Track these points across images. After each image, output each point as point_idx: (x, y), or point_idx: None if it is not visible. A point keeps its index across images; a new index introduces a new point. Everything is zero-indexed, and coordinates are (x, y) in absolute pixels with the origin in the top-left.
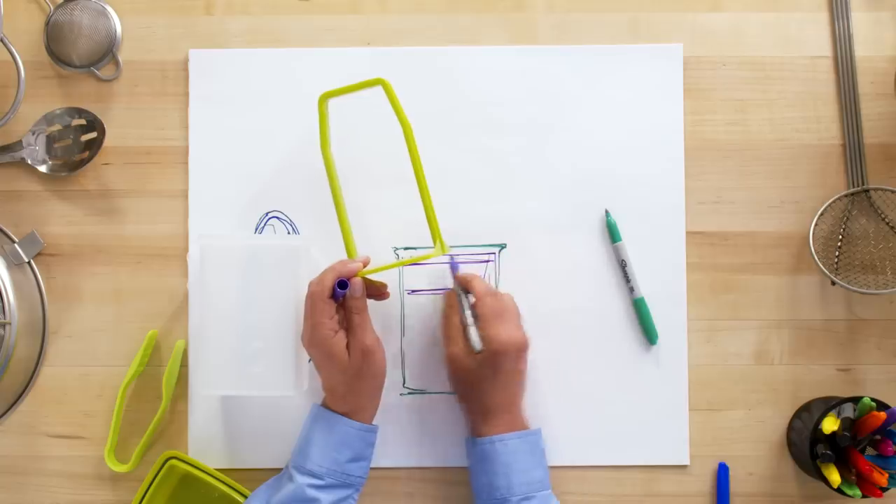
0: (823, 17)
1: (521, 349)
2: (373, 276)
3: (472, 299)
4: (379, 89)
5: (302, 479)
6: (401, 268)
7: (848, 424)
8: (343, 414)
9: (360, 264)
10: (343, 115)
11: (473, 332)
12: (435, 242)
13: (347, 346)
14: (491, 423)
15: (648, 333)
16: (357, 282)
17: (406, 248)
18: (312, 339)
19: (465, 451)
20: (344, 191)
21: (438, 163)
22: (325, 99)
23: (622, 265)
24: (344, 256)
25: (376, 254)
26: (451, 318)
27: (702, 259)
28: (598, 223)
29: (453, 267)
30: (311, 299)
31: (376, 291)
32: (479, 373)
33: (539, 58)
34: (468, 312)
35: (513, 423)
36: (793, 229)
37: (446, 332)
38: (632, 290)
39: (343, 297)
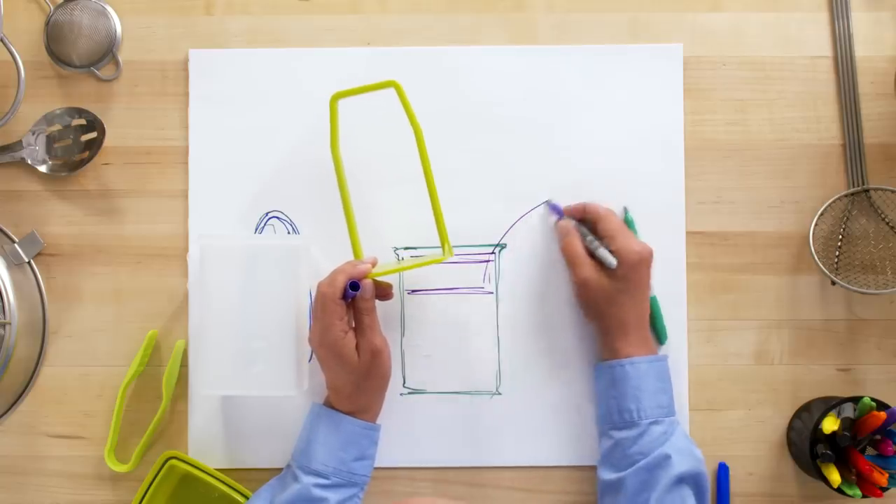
0: (823, 17)
1: (651, 258)
2: (380, 278)
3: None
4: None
5: (308, 479)
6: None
7: (848, 424)
8: (348, 413)
9: (370, 265)
10: (343, 114)
11: (605, 252)
12: (443, 246)
13: (356, 347)
14: (628, 339)
15: (658, 333)
16: (368, 283)
17: (406, 249)
18: (323, 340)
19: (464, 449)
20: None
21: (438, 162)
22: (336, 99)
23: None
24: (349, 257)
25: (376, 254)
26: (571, 245)
27: (702, 259)
28: None
29: (555, 207)
30: (323, 300)
31: (382, 292)
32: (615, 288)
33: (539, 58)
34: (591, 237)
35: (646, 343)
36: (793, 229)
37: (571, 258)
38: None
39: (353, 297)
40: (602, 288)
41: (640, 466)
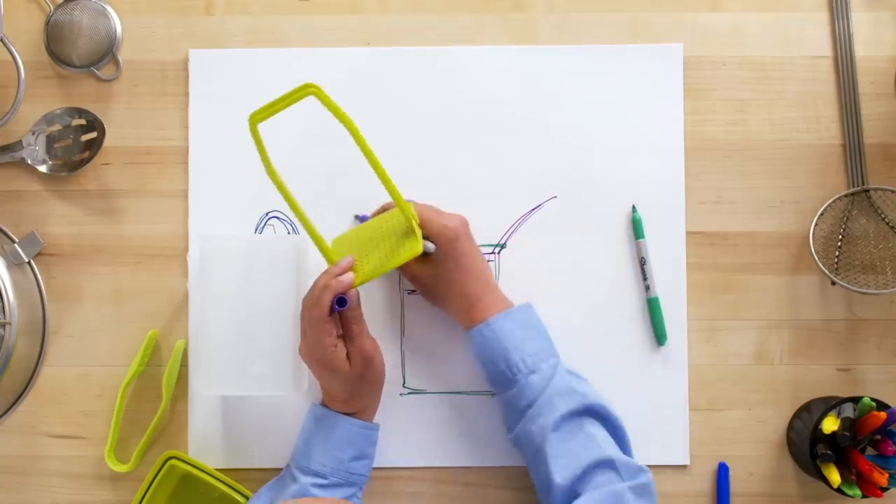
0: (823, 17)
1: (465, 225)
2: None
3: None
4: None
5: (306, 479)
6: (399, 268)
7: (848, 424)
8: (345, 414)
9: (352, 275)
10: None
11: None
12: (414, 234)
13: (347, 355)
14: (480, 308)
15: (658, 334)
16: (354, 295)
17: None
18: (313, 356)
19: (464, 449)
20: (334, 189)
21: (438, 163)
22: (255, 122)
23: (641, 262)
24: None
25: None
26: None
27: (702, 259)
28: (597, 222)
29: (362, 219)
30: (311, 321)
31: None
32: (446, 269)
33: (539, 58)
34: None
35: (498, 301)
36: (793, 229)
37: None
38: (647, 288)
39: (341, 311)
40: (433, 275)
41: (527, 418)
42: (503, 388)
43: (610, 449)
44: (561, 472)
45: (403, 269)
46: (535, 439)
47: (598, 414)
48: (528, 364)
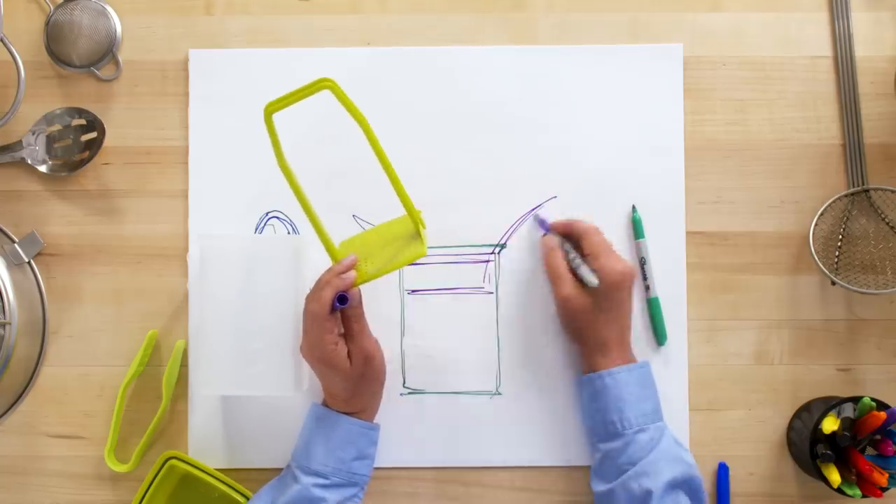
0: (823, 17)
1: (633, 278)
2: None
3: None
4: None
5: (307, 479)
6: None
7: (848, 424)
8: (346, 414)
9: (354, 274)
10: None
11: (587, 271)
12: (420, 239)
13: (348, 354)
14: (606, 356)
15: (658, 334)
16: (355, 292)
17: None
18: (314, 354)
19: (464, 449)
20: (333, 190)
21: (438, 162)
22: (270, 112)
23: (641, 262)
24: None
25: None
26: (554, 262)
27: (702, 259)
28: (597, 222)
29: (542, 222)
30: (312, 318)
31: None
32: (596, 307)
33: (539, 58)
34: (574, 254)
35: (624, 357)
36: (793, 229)
37: (553, 275)
38: (647, 288)
39: (342, 308)
40: (583, 306)
41: (629, 476)
42: (606, 438)
43: None
44: None
45: (557, 287)
46: (634, 496)
47: (695, 487)
48: (640, 422)
